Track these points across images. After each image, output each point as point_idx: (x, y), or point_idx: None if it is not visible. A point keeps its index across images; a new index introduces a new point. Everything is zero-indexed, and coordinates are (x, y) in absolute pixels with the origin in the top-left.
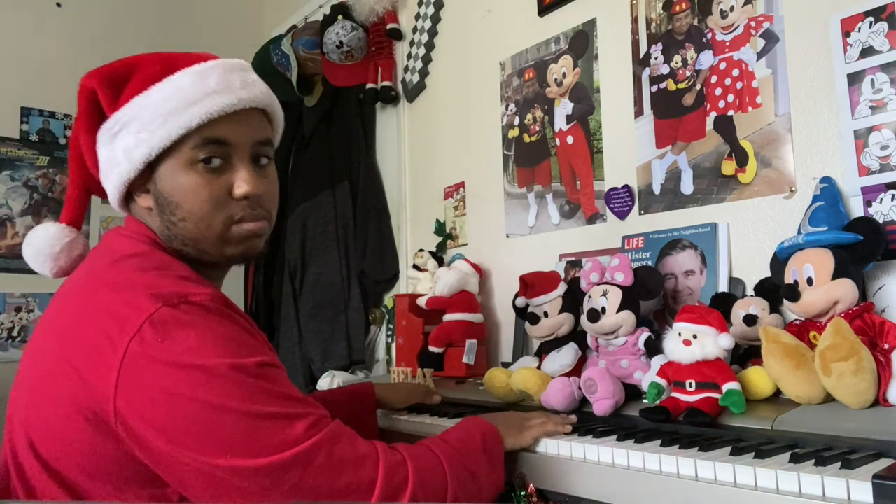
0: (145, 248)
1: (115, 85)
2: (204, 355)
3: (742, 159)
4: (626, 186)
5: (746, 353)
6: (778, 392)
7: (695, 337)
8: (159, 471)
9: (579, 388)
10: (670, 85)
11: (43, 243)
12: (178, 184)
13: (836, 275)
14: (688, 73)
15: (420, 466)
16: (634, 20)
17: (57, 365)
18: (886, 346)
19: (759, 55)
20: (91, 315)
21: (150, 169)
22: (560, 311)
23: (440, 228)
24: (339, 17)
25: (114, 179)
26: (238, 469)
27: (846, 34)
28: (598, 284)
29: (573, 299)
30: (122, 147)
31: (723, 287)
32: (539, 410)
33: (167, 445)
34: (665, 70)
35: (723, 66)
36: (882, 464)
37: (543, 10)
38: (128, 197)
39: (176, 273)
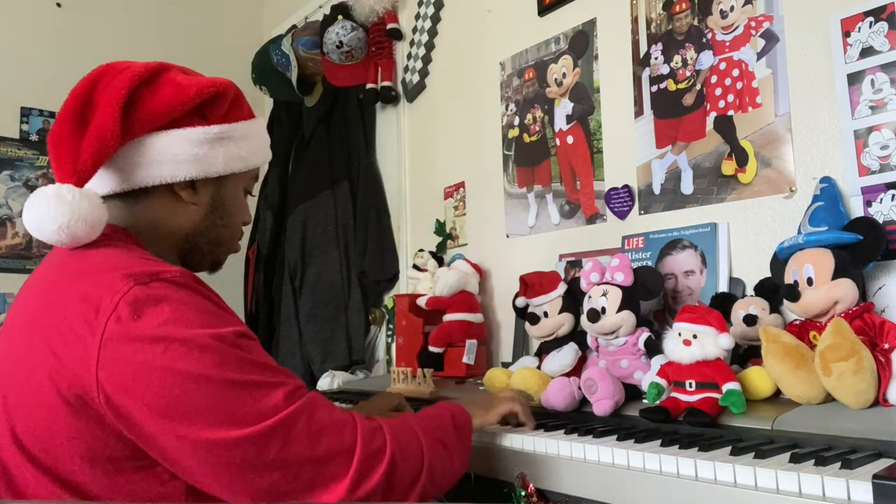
0: (122, 242)
1: (232, 102)
2: (181, 328)
3: (742, 159)
4: (626, 186)
5: (746, 353)
6: (778, 392)
7: (695, 337)
8: (147, 448)
9: (579, 388)
10: (670, 85)
11: (86, 209)
12: (236, 199)
13: (836, 275)
14: (688, 73)
15: (396, 433)
16: (634, 20)
17: (35, 355)
18: (886, 346)
19: (759, 55)
20: (65, 302)
21: (220, 178)
22: (560, 311)
23: (440, 228)
24: (339, 17)
25: (181, 169)
26: (221, 441)
27: (846, 34)
28: (598, 284)
29: (573, 299)
30: (223, 153)
31: (723, 287)
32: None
33: (151, 420)
34: (665, 70)
35: (723, 66)
36: (882, 464)
37: (543, 10)
38: (148, 188)
39: (141, 255)
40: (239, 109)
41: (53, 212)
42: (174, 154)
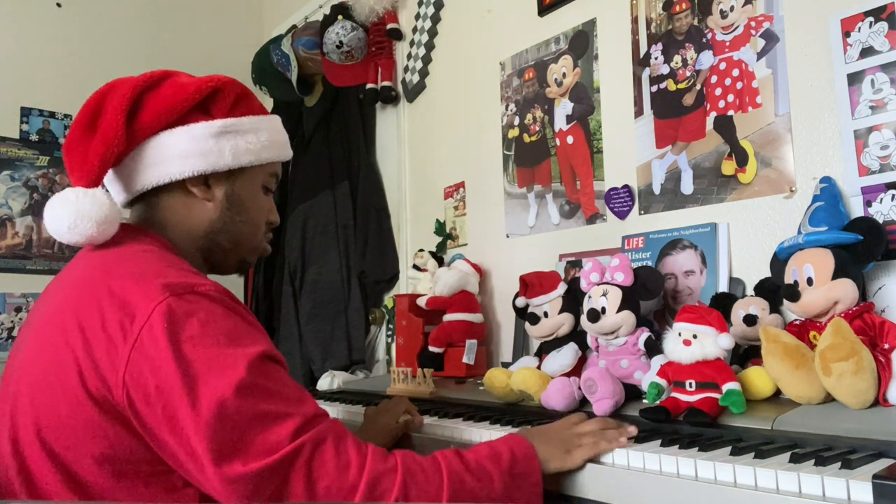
0: (153, 245)
1: (237, 97)
2: (207, 345)
3: (742, 159)
4: (626, 186)
5: (746, 353)
6: (778, 392)
7: (695, 337)
8: (165, 457)
9: (579, 388)
10: (670, 85)
11: (96, 209)
12: (253, 196)
13: (836, 275)
14: (688, 73)
15: (410, 481)
16: (634, 20)
17: (66, 353)
18: (886, 346)
19: (759, 55)
20: (101, 305)
21: (232, 172)
22: (560, 311)
23: (440, 228)
24: (339, 17)
25: (188, 164)
26: (220, 474)
27: (846, 34)
28: (598, 284)
29: (573, 299)
30: (230, 146)
31: (723, 287)
32: (593, 417)
33: (166, 434)
34: (665, 70)
35: (723, 66)
36: (882, 464)
37: (543, 10)
38: (163, 188)
39: (181, 266)
40: (247, 106)
41: (60, 213)
42: (180, 150)
